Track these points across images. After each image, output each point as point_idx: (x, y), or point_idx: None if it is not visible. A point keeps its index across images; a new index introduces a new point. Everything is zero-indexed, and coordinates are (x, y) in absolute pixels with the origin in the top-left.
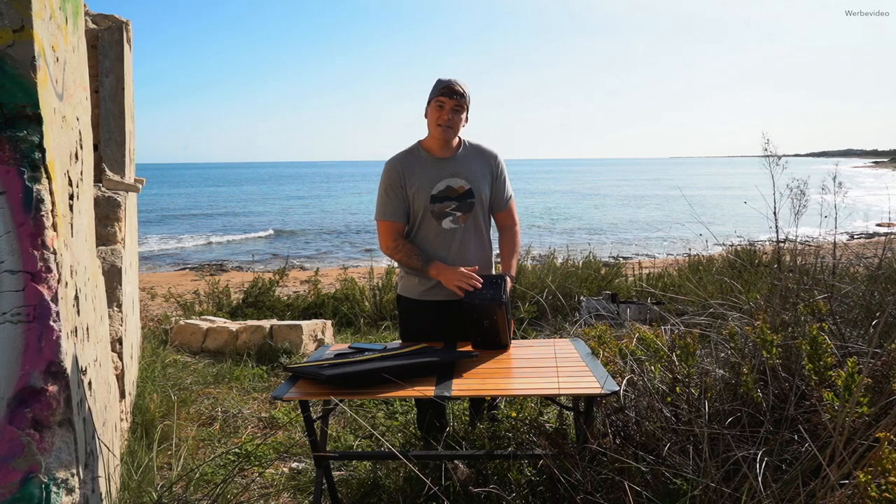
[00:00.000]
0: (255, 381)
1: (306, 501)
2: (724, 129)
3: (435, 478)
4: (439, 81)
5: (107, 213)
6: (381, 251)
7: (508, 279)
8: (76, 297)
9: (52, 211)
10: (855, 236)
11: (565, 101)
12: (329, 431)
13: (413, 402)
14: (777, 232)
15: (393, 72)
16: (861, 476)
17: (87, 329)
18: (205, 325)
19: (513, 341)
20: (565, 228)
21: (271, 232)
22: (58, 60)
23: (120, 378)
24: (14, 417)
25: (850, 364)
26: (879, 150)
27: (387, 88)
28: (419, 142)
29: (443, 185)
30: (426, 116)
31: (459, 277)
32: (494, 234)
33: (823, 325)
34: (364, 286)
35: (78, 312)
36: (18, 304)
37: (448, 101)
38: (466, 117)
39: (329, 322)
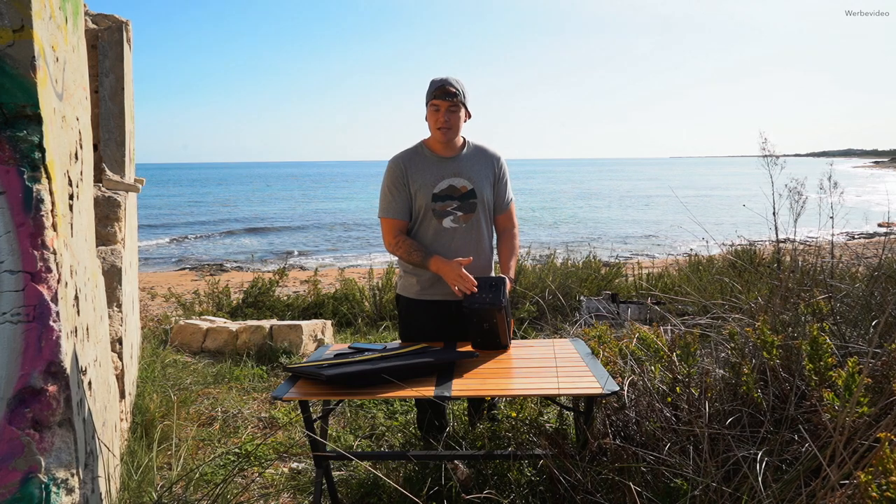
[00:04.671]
0: (255, 381)
1: (306, 501)
2: (724, 129)
3: (435, 478)
4: (432, 83)
5: (107, 213)
6: (382, 249)
7: (508, 281)
8: (76, 297)
9: (52, 211)
10: (855, 236)
11: (565, 101)
12: (329, 431)
13: (413, 402)
14: (777, 232)
15: (391, 70)
16: (862, 476)
17: (87, 329)
18: (205, 325)
19: (513, 341)
20: (565, 228)
21: (270, 230)
22: (58, 60)
23: (120, 378)
24: (14, 417)
25: (850, 364)
26: (879, 150)
27: (386, 88)
28: (423, 140)
29: (445, 185)
30: (426, 120)
31: (456, 278)
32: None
33: (824, 325)
34: (364, 286)
35: (78, 312)
36: (18, 304)
37: (442, 103)
38: (467, 112)
39: (329, 322)
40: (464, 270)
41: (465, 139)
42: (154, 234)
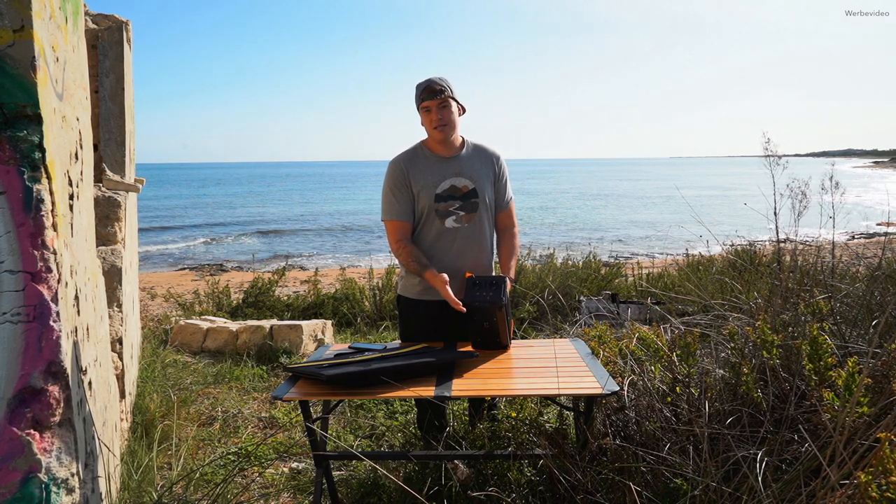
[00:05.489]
0: (255, 381)
1: (306, 501)
2: (724, 129)
3: (435, 478)
4: (417, 88)
5: (107, 213)
6: (382, 250)
7: (508, 281)
8: (76, 297)
9: (52, 211)
10: (855, 236)
11: (565, 101)
12: (329, 431)
13: (413, 402)
14: (777, 232)
15: (391, 71)
16: (862, 476)
17: (87, 329)
18: (205, 325)
19: (513, 341)
20: (565, 228)
21: (270, 231)
22: (58, 60)
23: (120, 378)
24: (14, 417)
25: (850, 364)
26: (879, 150)
27: (385, 88)
28: (422, 141)
29: (447, 185)
30: (422, 125)
31: (444, 296)
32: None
33: (824, 325)
34: (364, 286)
35: (78, 312)
36: (18, 304)
37: (432, 102)
38: (460, 107)
39: (329, 322)
40: (450, 291)
41: (463, 138)
42: (152, 235)
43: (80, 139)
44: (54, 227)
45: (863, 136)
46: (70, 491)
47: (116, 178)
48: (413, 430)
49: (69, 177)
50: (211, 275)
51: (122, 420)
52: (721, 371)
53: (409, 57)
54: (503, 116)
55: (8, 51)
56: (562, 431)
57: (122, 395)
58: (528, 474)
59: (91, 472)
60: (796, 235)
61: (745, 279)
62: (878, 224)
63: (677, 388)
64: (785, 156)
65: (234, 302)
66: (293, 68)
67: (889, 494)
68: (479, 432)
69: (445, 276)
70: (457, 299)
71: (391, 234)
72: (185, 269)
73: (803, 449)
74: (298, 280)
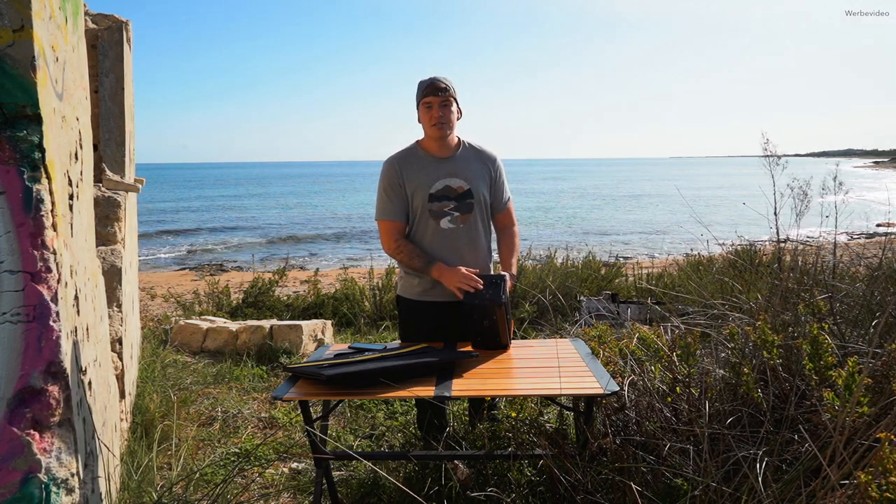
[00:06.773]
0: (255, 381)
1: (306, 501)
2: (724, 129)
3: (435, 478)
4: (420, 83)
5: (107, 213)
6: (382, 250)
7: (508, 279)
8: (76, 297)
9: (52, 211)
10: (855, 236)
11: (566, 102)
12: (329, 431)
13: (413, 402)
14: (777, 232)
15: (389, 71)
16: (862, 476)
17: (87, 329)
18: (205, 325)
19: (513, 341)
20: (565, 228)
21: (270, 233)
22: (58, 60)
23: (120, 378)
24: (14, 417)
25: (850, 364)
26: (879, 150)
27: (388, 87)
28: (417, 141)
29: (441, 185)
30: (420, 121)
31: (461, 279)
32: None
33: (824, 324)
34: (364, 286)
35: (78, 312)
36: (18, 304)
37: (434, 98)
38: (458, 109)
39: (329, 322)
40: (466, 270)
41: (459, 139)
42: (152, 237)
43: (80, 139)
44: (54, 227)
45: (863, 136)
46: (70, 491)
47: (116, 178)
48: (413, 430)
49: (69, 177)
50: (211, 275)
51: (121, 420)
52: (721, 371)
53: (409, 57)
54: (503, 117)
55: (8, 51)
56: (562, 431)
57: (122, 395)
58: (529, 474)
59: (91, 473)
60: (797, 235)
61: (745, 279)
62: (878, 224)
63: (677, 388)
64: (785, 156)
65: (234, 302)
66: (293, 68)
67: (889, 494)
68: (479, 432)
69: (462, 269)
70: (471, 274)
71: (386, 235)
72: (185, 269)
73: (803, 449)
74: (298, 280)
